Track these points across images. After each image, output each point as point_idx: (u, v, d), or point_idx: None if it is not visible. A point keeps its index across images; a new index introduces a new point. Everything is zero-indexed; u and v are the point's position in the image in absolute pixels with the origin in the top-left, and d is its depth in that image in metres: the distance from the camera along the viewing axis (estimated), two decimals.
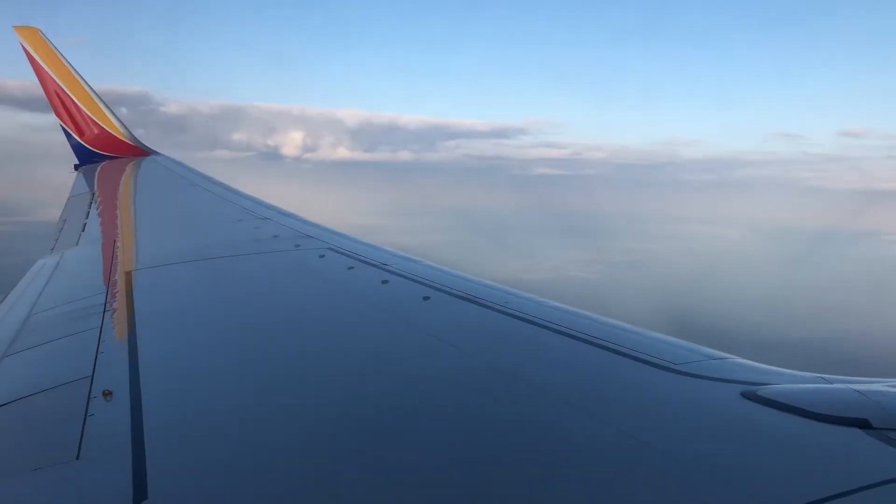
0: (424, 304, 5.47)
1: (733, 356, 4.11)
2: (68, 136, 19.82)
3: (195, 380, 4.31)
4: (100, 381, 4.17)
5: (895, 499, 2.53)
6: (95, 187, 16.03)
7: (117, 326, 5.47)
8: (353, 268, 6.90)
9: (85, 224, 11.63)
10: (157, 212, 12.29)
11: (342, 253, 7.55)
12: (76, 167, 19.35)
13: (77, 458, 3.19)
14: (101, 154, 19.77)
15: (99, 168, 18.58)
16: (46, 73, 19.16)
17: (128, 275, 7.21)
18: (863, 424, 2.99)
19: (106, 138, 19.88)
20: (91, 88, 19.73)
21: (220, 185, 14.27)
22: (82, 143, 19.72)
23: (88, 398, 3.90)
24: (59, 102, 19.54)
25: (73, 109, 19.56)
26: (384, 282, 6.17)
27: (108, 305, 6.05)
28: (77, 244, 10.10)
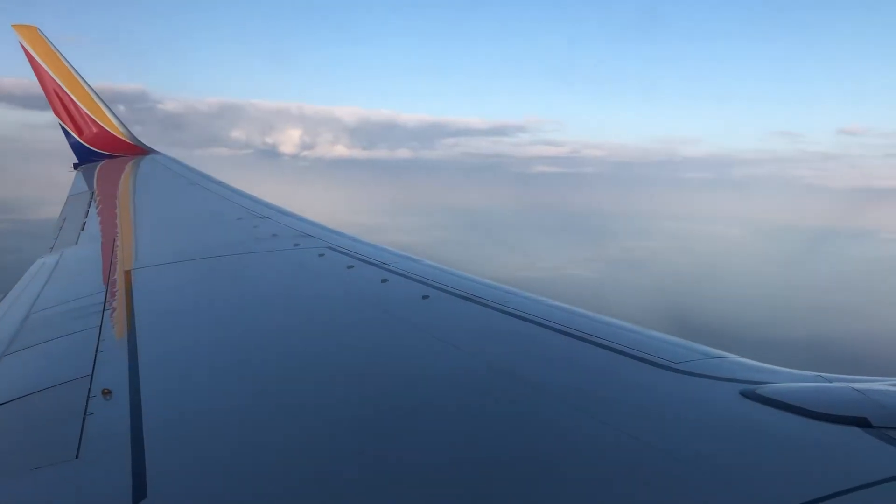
0: (424, 303, 5.48)
1: (733, 355, 4.11)
2: (67, 134, 19.81)
3: (194, 379, 4.31)
4: (99, 380, 4.16)
5: (894, 498, 2.53)
6: (95, 186, 16.02)
7: (117, 325, 5.46)
8: (352, 267, 6.91)
9: (84, 223, 11.62)
10: (156, 211, 12.28)
11: (341, 252, 7.55)
12: (75, 166, 19.34)
13: (76, 458, 3.19)
14: (101, 153, 19.76)
15: (98, 167, 18.56)
16: (45, 71, 19.15)
17: (127, 274, 7.21)
18: (862, 423, 2.99)
19: (105, 137, 19.87)
20: (90, 87, 19.71)
21: (219, 183, 14.26)
22: (81, 142, 19.71)
23: (88, 397, 3.90)
24: (58, 101, 19.53)
25: (72, 108, 19.55)
26: (383, 281, 6.17)
27: (107, 304, 6.04)
28: (76, 243, 10.09)
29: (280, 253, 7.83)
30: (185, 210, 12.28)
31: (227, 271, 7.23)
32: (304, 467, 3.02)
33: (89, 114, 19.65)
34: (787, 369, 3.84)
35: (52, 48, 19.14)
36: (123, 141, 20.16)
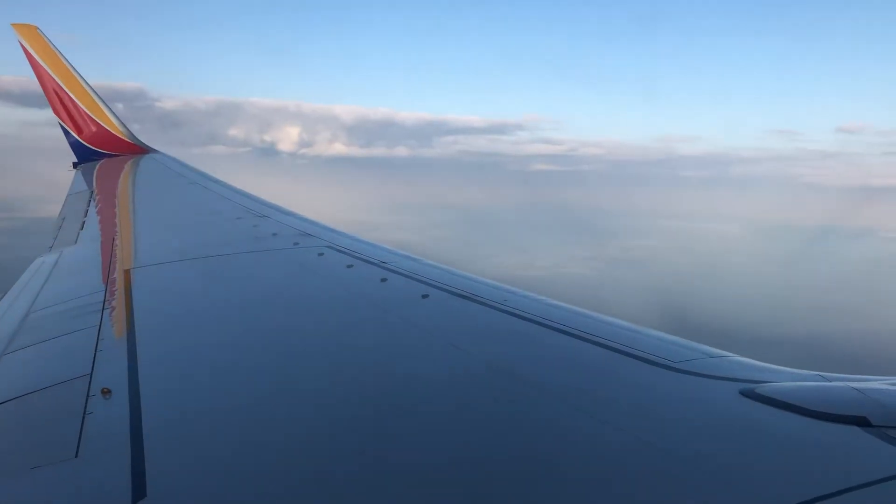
0: (423, 302, 5.48)
1: (732, 354, 4.11)
2: (67, 133, 19.82)
3: (194, 378, 4.31)
4: (98, 379, 4.16)
5: (894, 496, 2.53)
6: (94, 185, 16.03)
7: (116, 324, 5.46)
8: (352, 266, 6.91)
9: (84, 222, 11.62)
10: (155, 210, 12.28)
11: (341, 251, 7.55)
12: (75, 165, 19.34)
13: (76, 457, 3.19)
14: (100, 152, 19.77)
15: (98, 166, 18.57)
16: (45, 70, 19.15)
17: (127, 273, 7.21)
18: (862, 422, 2.99)
19: (105, 136, 19.88)
20: (89, 86, 19.72)
21: (218, 182, 14.27)
22: (81, 141, 19.72)
23: (87, 396, 3.90)
24: (57, 100, 19.54)
25: (72, 107, 19.56)
26: (383, 280, 6.17)
27: (106, 303, 6.04)
28: (76, 242, 10.10)
29: (280, 252, 7.83)
30: (185, 209, 12.28)
31: (227, 270, 7.23)
32: (303, 466, 3.02)
33: (89, 113, 19.66)
34: (787, 368, 3.84)
35: (52, 47, 19.14)
36: (123, 140, 20.17)
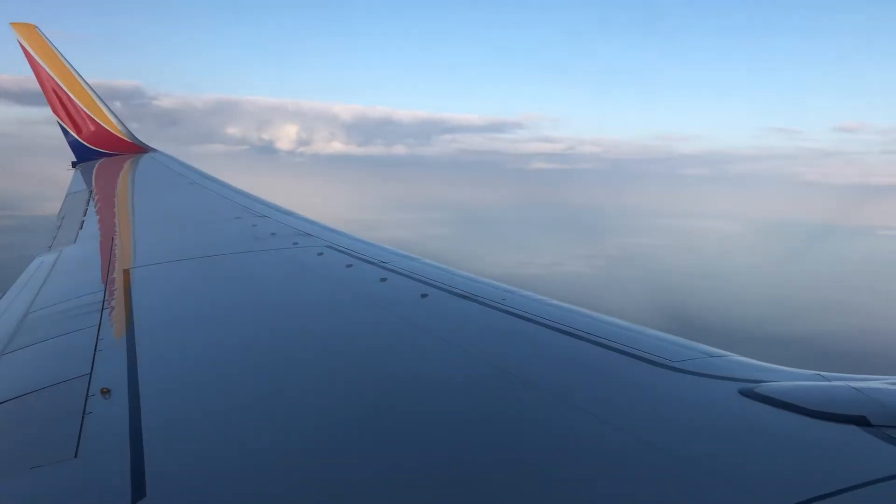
0: (423, 301, 5.48)
1: (731, 354, 4.12)
2: (66, 133, 19.79)
3: (193, 378, 4.31)
4: (98, 379, 4.16)
5: (894, 496, 2.54)
6: (93, 185, 16.02)
7: (115, 324, 5.46)
8: (351, 266, 6.91)
9: (83, 222, 11.62)
10: (155, 209, 12.28)
11: (340, 251, 7.55)
12: (74, 164, 19.32)
13: (75, 457, 3.19)
14: (99, 151, 19.74)
15: (97, 165, 18.55)
16: (44, 69, 19.13)
17: (126, 273, 7.21)
18: (861, 422, 2.99)
19: (104, 136, 19.85)
20: (88, 85, 19.69)
21: (217, 182, 14.27)
22: (80, 140, 19.70)
23: (87, 396, 3.90)
24: (56, 100, 19.51)
25: (71, 107, 19.53)
26: (383, 280, 6.17)
27: (106, 303, 6.04)
28: (75, 242, 10.10)
29: (279, 252, 7.83)
30: (184, 209, 12.28)
31: (226, 270, 7.24)
32: (302, 466, 3.02)
33: (88, 112, 19.63)
34: (786, 368, 3.85)
35: (51, 46, 19.11)
36: (122, 139, 20.14)
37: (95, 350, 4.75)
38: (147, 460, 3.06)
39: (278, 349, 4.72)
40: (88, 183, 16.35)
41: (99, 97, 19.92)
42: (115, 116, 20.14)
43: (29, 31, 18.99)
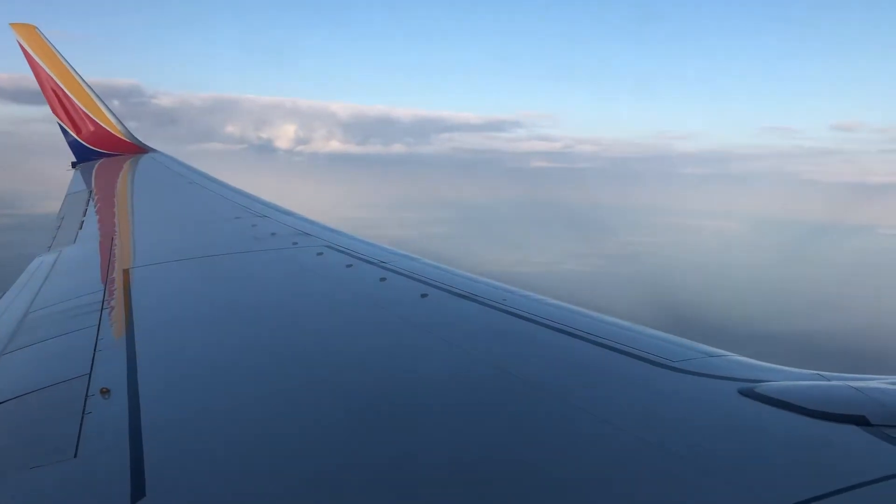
0: (422, 301, 5.48)
1: (731, 353, 4.12)
2: (65, 133, 19.78)
3: (193, 378, 4.31)
4: (97, 379, 4.16)
5: (893, 495, 2.54)
6: (93, 185, 16.02)
7: (115, 324, 5.46)
8: (351, 265, 6.92)
9: (83, 222, 11.62)
10: (154, 210, 12.28)
11: (340, 251, 7.55)
12: (73, 165, 19.31)
13: (75, 456, 3.19)
14: (99, 151, 19.73)
15: (96, 166, 18.54)
16: (43, 70, 19.11)
17: (125, 273, 7.21)
18: (861, 422, 3.00)
19: (103, 136, 19.84)
20: (88, 86, 19.67)
21: (217, 182, 14.27)
22: (79, 140, 19.69)
23: (86, 396, 3.90)
24: (55, 100, 19.49)
25: (70, 107, 19.51)
26: (382, 279, 6.17)
27: (105, 303, 6.04)
28: (75, 242, 10.10)
29: (278, 252, 7.83)
30: (184, 209, 12.28)
31: (226, 270, 7.24)
32: (302, 465, 3.02)
33: (87, 112, 19.61)
34: (786, 368, 3.85)
35: (50, 47, 19.09)
36: (122, 139, 20.13)
37: (95, 350, 4.75)
38: (146, 460, 3.06)
39: (278, 349, 4.72)
40: (88, 183, 16.35)
41: (98, 97, 19.91)
42: (115, 116, 20.13)
43: (28, 31, 18.97)
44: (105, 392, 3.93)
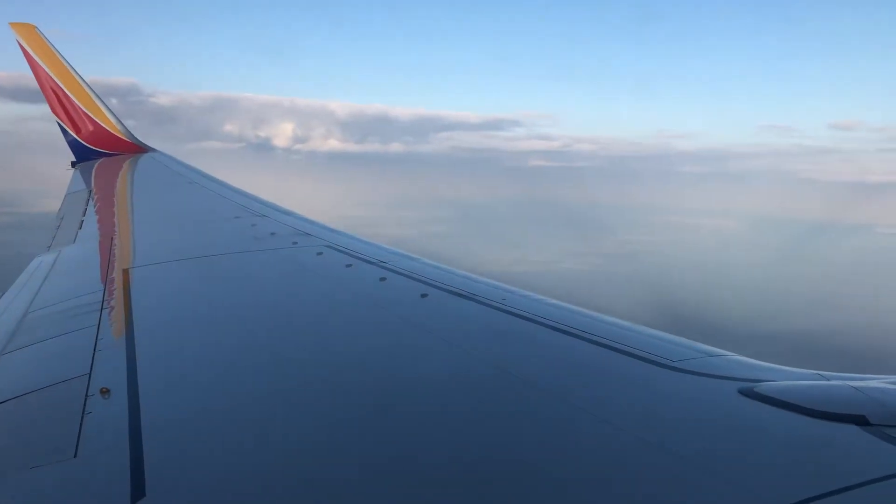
0: (422, 301, 5.48)
1: (731, 353, 4.12)
2: (65, 132, 19.77)
3: (193, 378, 4.31)
4: (97, 379, 4.16)
5: (893, 495, 2.54)
6: (93, 185, 16.02)
7: (115, 324, 5.46)
8: (350, 265, 6.91)
9: (82, 222, 11.61)
10: (154, 209, 12.28)
11: (340, 250, 7.55)
12: (73, 164, 19.30)
13: (75, 456, 3.19)
14: (98, 151, 19.73)
15: (96, 165, 18.54)
16: (43, 70, 19.10)
17: (125, 272, 7.20)
18: (861, 421, 3.00)
19: (103, 135, 19.83)
20: (87, 85, 19.67)
21: (217, 182, 14.27)
22: (79, 140, 19.69)
23: (86, 396, 3.90)
24: (55, 99, 19.49)
25: (70, 106, 19.51)
26: (382, 279, 6.17)
27: (105, 303, 6.04)
28: (74, 242, 10.09)
29: (278, 251, 7.83)
30: (183, 208, 12.28)
31: (226, 270, 7.24)
32: (302, 466, 3.02)
33: (87, 112, 19.61)
34: (786, 367, 3.85)
35: (50, 47, 19.09)
36: (121, 139, 20.12)
37: (95, 350, 4.75)
38: (146, 460, 3.06)
39: (278, 349, 4.72)
40: (88, 183, 16.36)
41: (98, 97, 19.90)
42: (114, 116, 20.12)
43: (28, 31, 18.96)
44: (105, 392, 3.93)
